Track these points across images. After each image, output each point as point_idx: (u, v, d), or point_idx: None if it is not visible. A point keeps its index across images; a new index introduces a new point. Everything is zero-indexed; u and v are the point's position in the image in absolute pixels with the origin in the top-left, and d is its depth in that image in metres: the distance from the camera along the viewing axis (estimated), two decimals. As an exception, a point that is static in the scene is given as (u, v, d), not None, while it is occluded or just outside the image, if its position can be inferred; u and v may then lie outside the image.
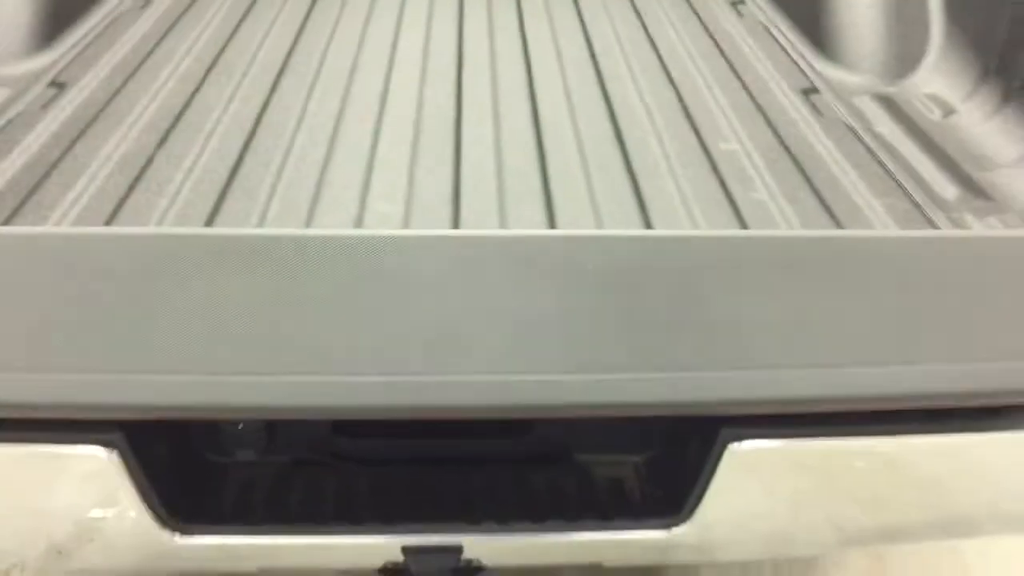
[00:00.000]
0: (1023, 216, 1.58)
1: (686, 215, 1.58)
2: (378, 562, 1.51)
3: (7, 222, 1.52)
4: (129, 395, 1.21)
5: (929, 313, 1.22)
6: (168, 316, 1.18)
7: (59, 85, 2.01)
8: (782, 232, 1.46)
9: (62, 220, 1.54)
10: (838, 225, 1.56)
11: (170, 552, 1.45)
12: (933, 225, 1.56)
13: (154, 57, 2.17)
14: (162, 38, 2.27)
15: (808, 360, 1.22)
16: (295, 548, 1.48)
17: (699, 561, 1.69)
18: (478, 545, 1.49)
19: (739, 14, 2.50)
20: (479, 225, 1.55)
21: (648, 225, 1.55)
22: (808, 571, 2.38)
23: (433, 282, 1.17)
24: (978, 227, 1.56)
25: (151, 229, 1.46)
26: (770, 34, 2.36)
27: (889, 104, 1.99)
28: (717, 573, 2.35)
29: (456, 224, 1.55)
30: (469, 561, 1.50)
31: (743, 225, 1.55)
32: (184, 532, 1.44)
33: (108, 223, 1.53)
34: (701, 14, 2.50)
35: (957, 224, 1.57)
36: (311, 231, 1.32)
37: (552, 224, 1.55)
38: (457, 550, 1.48)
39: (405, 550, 1.47)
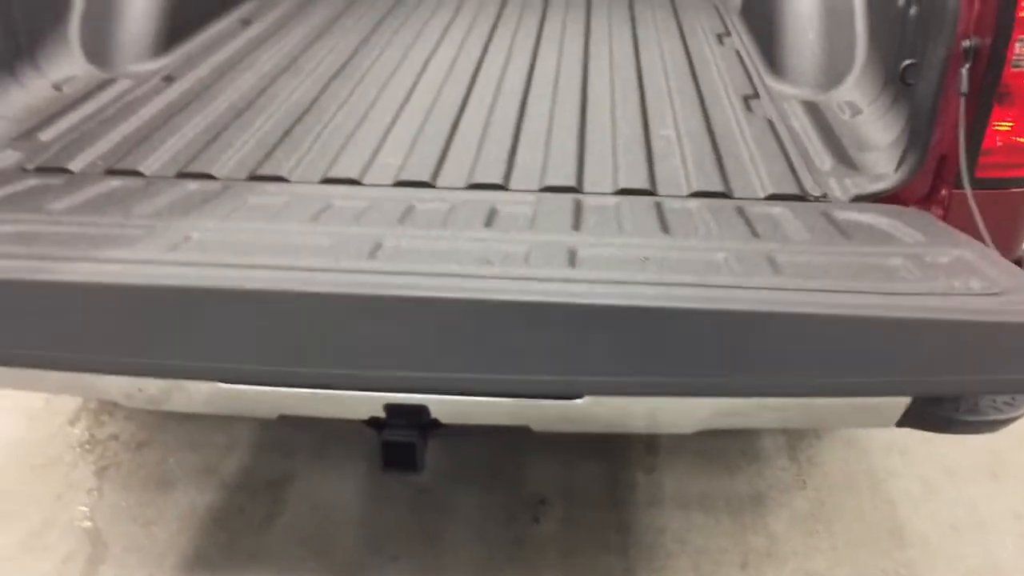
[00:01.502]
0: (871, 179, 2.03)
1: (613, 168, 2.10)
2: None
3: (119, 162, 2.14)
4: None
5: None
6: None
7: (168, 79, 2.67)
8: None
9: (154, 164, 2.14)
10: (725, 180, 2.05)
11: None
12: (800, 184, 2.03)
13: (243, 62, 2.82)
14: (252, 49, 2.93)
15: None
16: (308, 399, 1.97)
17: (598, 430, 2.06)
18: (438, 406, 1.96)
19: (721, 43, 3.02)
20: (460, 169, 2.09)
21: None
22: (757, 508, 2.77)
23: None
24: (835, 187, 2.02)
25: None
26: (739, 57, 2.87)
27: (811, 107, 2.46)
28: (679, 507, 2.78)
29: (438, 170, 2.10)
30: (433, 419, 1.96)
31: (652, 181, 2.05)
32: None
33: (188, 166, 2.12)
34: (688, 42, 3.03)
35: (820, 185, 2.04)
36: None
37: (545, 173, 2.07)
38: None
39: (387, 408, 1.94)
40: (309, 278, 1.51)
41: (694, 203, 1.94)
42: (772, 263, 1.62)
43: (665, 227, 1.81)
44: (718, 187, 2.03)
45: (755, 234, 1.78)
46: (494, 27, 3.20)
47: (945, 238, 1.75)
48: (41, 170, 2.09)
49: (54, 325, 1.53)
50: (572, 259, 1.62)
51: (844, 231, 1.80)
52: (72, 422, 3.09)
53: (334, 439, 3.01)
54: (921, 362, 1.50)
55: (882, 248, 1.72)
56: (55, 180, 2.00)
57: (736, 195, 2.00)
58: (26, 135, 2.24)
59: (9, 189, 1.93)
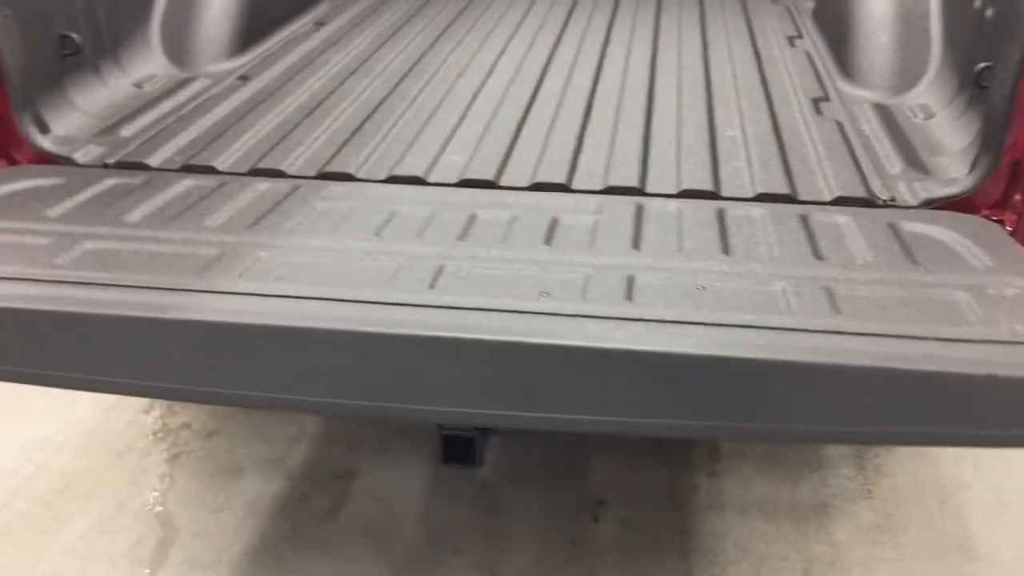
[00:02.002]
0: (942, 183, 1.99)
1: (677, 169, 2.10)
2: None
3: (194, 157, 2.21)
4: None
5: None
6: None
7: (244, 78, 2.74)
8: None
9: (228, 160, 2.20)
10: (790, 182, 2.03)
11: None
12: (867, 187, 2.00)
13: (315, 63, 2.88)
14: (324, 50, 2.99)
15: None
16: None
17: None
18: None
19: (792, 45, 2.98)
20: (523, 168, 2.11)
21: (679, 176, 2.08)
22: (820, 517, 2.74)
23: None
24: (904, 191, 1.99)
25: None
26: (810, 60, 2.83)
27: (882, 110, 2.42)
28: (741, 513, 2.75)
29: (502, 169, 2.12)
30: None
31: (716, 182, 2.04)
32: None
33: (259, 163, 2.18)
34: (759, 43, 3.00)
35: (888, 188, 2.00)
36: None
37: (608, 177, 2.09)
38: None
39: None
40: (369, 316, 1.52)
41: (757, 210, 1.92)
42: (831, 298, 1.58)
43: (726, 244, 1.78)
44: (783, 189, 2.01)
45: (817, 255, 1.74)
46: (563, 29, 3.22)
47: (1013, 261, 1.71)
48: (121, 165, 2.17)
49: (119, 353, 1.56)
50: (630, 289, 1.61)
51: (909, 251, 1.75)
52: (146, 411, 3.19)
53: (397, 434, 3.06)
54: (974, 417, 1.46)
55: (946, 276, 1.67)
56: (133, 179, 2.07)
57: (801, 198, 1.98)
58: (108, 131, 2.33)
59: (91, 191, 2.00)
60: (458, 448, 2.06)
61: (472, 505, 2.79)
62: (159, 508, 2.79)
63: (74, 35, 2.38)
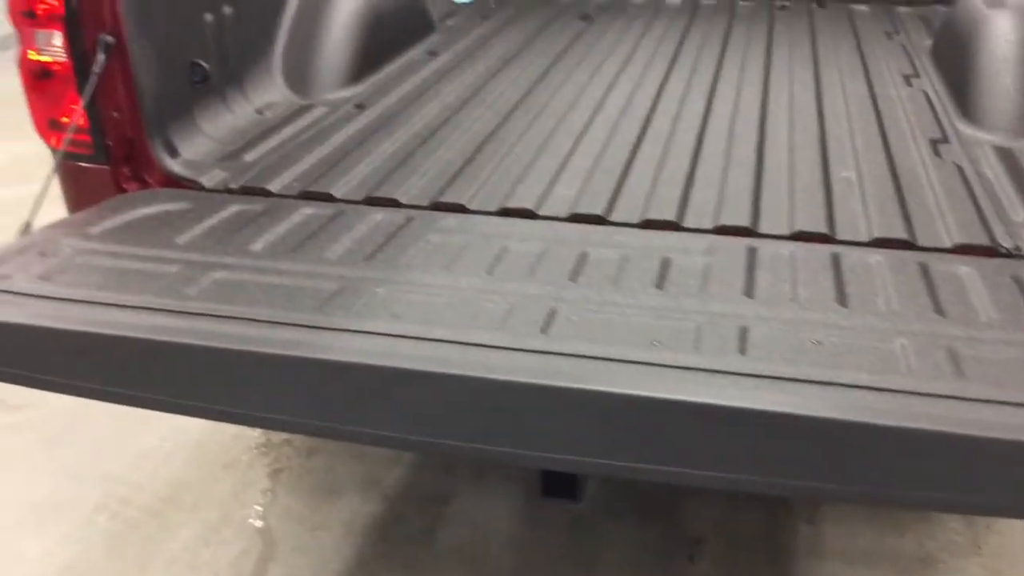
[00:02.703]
0: None
1: (790, 209, 2.08)
2: None
3: (312, 184, 2.27)
4: None
5: None
6: None
7: (360, 106, 2.82)
8: None
9: (344, 187, 2.26)
10: (908, 227, 1.98)
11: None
12: (990, 234, 1.94)
13: (429, 92, 2.94)
14: (438, 80, 3.05)
15: None
16: None
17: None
18: None
19: (908, 85, 2.92)
20: (634, 204, 2.12)
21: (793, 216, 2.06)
22: (926, 571, 2.65)
23: None
24: None
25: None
26: (928, 100, 2.77)
27: (1005, 154, 2.35)
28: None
29: (612, 204, 2.13)
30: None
31: (831, 224, 2.01)
32: None
33: (375, 191, 2.24)
34: (874, 83, 2.95)
35: (1011, 236, 1.94)
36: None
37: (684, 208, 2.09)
38: None
39: None
40: (482, 360, 1.53)
41: (874, 257, 1.88)
42: (954, 359, 1.53)
43: (842, 294, 1.74)
44: (901, 233, 1.97)
45: (938, 310, 1.68)
46: (671, 64, 3.22)
47: None
48: (244, 190, 2.25)
49: (241, 385, 1.61)
50: (743, 341, 1.58)
51: None
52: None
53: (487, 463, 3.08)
54: None
55: None
56: (255, 206, 2.14)
57: (920, 243, 1.93)
58: (232, 156, 2.42)
59: (217, 218, 2.08)
60: (559, 483, 2.05)
61: (566, 536, 2.78)
62: (260, 523, 2.86)
63: (204, 63, 2.48)
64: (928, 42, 3.33)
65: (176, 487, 2.99)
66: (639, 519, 2.84)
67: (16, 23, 2.16)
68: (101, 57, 2.14)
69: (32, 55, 2.17)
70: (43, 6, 2.12)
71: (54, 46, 2.15)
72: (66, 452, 3.16)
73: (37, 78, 2.20)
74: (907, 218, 2.04)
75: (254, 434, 3.23)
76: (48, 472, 3.07)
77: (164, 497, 2.95)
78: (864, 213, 2.07)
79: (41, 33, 2.13)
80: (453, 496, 2.95)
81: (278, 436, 3.23)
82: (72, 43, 2.14)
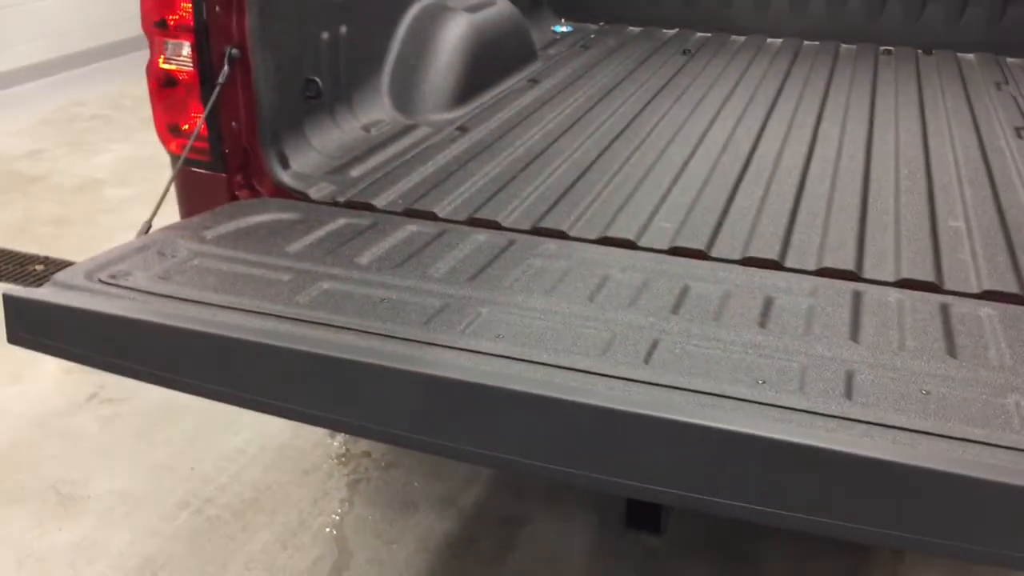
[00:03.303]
0: None
1: (896, 255, 2.06)
2: None
3: (416, 202, 2.32)
4: None
5: None
6: None
7: (463, 129, 2.87)
8: None
9: (447, 207, 2.31)
10: (1020, 281, 1.94)
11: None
12: None
13: (530, 118, 2.98)
14: (539, 107, 3.10)
15: None
16: None
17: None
18: None
19: (1020, 137, 2.87)
20: (734, 241, 2.12)
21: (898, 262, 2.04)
22: None
23: None
24: None
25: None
26: None
27: (1123, 214, 2.29)
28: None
29: (713, 240, 2.13)
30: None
31: (939, 273, 1.98)
32: None
33: (477, 212, 2.27)
34: (982, 132, 2.90)
35: None
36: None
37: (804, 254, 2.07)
38: None
39: None
40: (586, 387, 1.54)
41: (984, 309, 1.84)
42: None
43: (951, 345, 1.71)
44: (1012, 288, 1.93)
45: None
46: (774, 102, 3.21)
47: None
48: (350, 204, 2.31)
49: (348, 394, 1.63)
50: (849, 386, 1.57)
51: None
52: (332, 434, 3.33)
53: (568, 488, 3.08)
54: None
55: None
56: (362, 220, 2.20)
57: None
58: (339, 170, 2.48)
59: (325, 229, 2.14)
60: (644, 514, 2.06)
61: (638, 570, 2.76)
62: (336, 532, 2.90)
63: (318, 79, 2.56)
64: None
65: (258, 489, 3.05)
66: (714, 558, 2.81)
67: (148, 32, 2.26)
68: (226, 68, 2.22)
69: (161, 63, 2.26)
70: (174, 17, 2.21)
71: (182, 56, 2.24)
72: (156, 447, 3.26)
73: (163, 85, 2.29)
74: (1018, 271, 2.00)
75: (334, 443, 3.29)
76: (137, 465, 3.17)
77: (246, 499, 3.01)
78: (974, 264, 2.03)
79: (171, 43, 2.23)
80: (527, 520, 2.95)
81: (357, 447, 3.27)
82: (199, 54, 2.23)
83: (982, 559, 1.46)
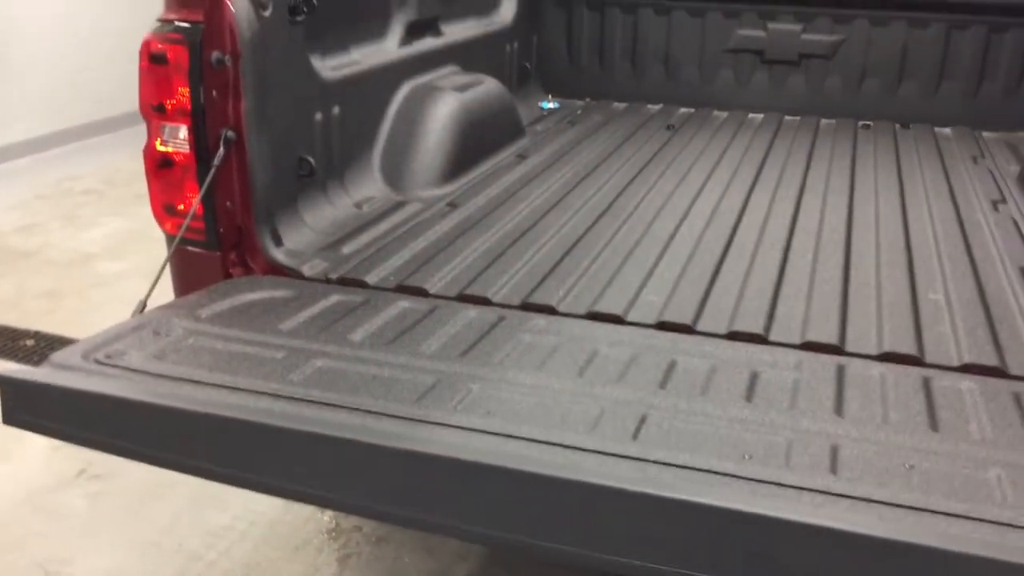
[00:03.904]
0: None
1: (878, 329, 2.09)
2: None
3: (408, 278, 2.36)
4: None
5: None
6: None
7: (453, 205, 2.93)
8: None
9: (438, 284, 2.35)
10: (1000, 354, 1.98)
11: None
12: None
13: (518, 194, 3.04)
14: (527, 183, 3.16)
15: None
16: None
17: None
18: None
19: (996, 210, 2.94)
20: (720, 315, 2.16)
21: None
22: None
23: None
24: None
25: None
26: (1016, 226, 2.78)
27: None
28: None
29: (699, 314, 2.17)
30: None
31: (920, 347, 2.02)
32: None
33: (467, 288, 2.31)
34: (960, 206, 2.97)
35: None
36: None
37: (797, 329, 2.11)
38: None
39: None
40: (575, 463, 1.57)
41: (965, 383, 1.88)
42: None
43: (933, 419, 1.74)
44: (992, 361, 1.97)
45: None
46: (757, 176, 3.29)
47: None
48: (343, 281, 2.35)
49: (339, 471, 1.63)
50: (834, 460, 1.60)
51: None
52: (322, 509, 3.32)
53: (558, 566, 3.06)
54: None
55: None
56: (354, 297, 2.23)
57: (1012, 372, 1.93)
58: (331, 247, 2.53)
59: (318, 307, 2.18)
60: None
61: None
62: (327, 608, 2.88)
63: (310, 159, 2.62)
64: (1015, 168, 3.36)
65: (248, 566, 3.03)
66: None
67: (146, 115, 2.32)
68: (222, 150, 2.28)
69: (158, 145, 2.32)
70: (172, 102, 2.28)
71: (179, 138, 2.30)
72: (144, 524, 3.24)
73: (159, 167, 2.34)
74: (998, 345, 2.04)
75: (325, 518, 3.27)
76: (125, 542, 3.14)
77: (235, 576, 2.99)
78: (954, 337, 2.07)
79: (168, 126, 2.29)
80: (519, 595, 2.93)
81: (348, 522, 3.26)
82: (196, 136, 2.29)
83: None
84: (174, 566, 3.03)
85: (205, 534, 3.18)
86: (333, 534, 3.20)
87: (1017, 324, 2.14)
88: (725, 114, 4.25)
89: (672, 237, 2.69)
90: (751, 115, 4.24)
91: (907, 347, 2.02)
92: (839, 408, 1.77)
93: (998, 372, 1.93)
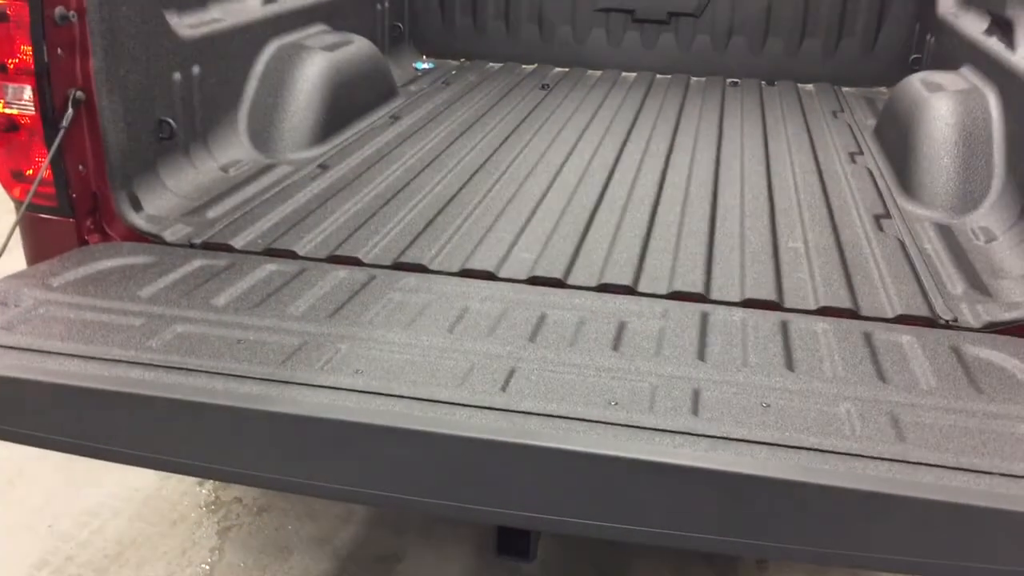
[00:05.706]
0: (1005, 307, 2.02)
1: (741, 278, 2.16)
2: None
3: (276, 242, 2.31)
4: None
5: None
6: None
7: (323, 167, 2.87)
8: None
9: (308, 246, 2.30)
10: (853, 297, 2.07)
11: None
12: (930, 307, 2.04)
13: (391, 155, 3.01)
14: (399, 143, 3.12)
15: None
16: None
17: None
18: None
19: (853, 161, 3.06)
20: (591, 268, 2.18)
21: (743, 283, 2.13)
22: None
23: None
24: (966, 312, 2.02)
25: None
26: (871, 176, 2.90)
27: (944, 230, 2.47)
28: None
29: (570, 268, 2.19)
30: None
31: (780, 293, 2.09)
32: None
33: (337, 250, 2.28)
34: (820, 158, 3.08)
35: (950, 309, 2.04)
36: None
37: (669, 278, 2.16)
38: None
39: None
40: (444, 418, 1.57)
41: (820, 324, 1.96)
42: (896, 424, 1.60)
43: (790, 359, 1.82)
44: (846, 303, 2.05)
45: (881, 377, 1.76)
46: (628, 133, 3.33)
47: None
48: (207, 246, 2.28)
49: (203, 437, 1.62)
50: (695, 403, 1.65)
51: (973, 378, 1.78)
52: (200, 482, 3.24)
53: (442, 521, 3.08)
54: None
55: (1010, 408, 1.68)
56: (219, 261, 2.17)
57: (863, 314, 2.02)
58: (195, 212, 2.45)
59: (179, 272, 2.11)
60: (513, 541, 2.07)
61: (516, 598, 2.79)
62: (207, 581, 2.82)
63: (171, 120, 2.52)
64: (872, 121, 3.49)
65: (122, 544, 2.94)
66: (590, 581, 2.86)
67: (-14, 76, 2.18)
68: (70, 112, 2.17)
69: (1, 107, 2.19)
70: (14, 61, 2.15)
71: (23, 100, 2.17)
72: (12, 505, 3.10)
73: (4, 130, 2.21)
74: (852, 289, 2.13)
75: (203, 491, 3.20)
76: (-10, 527, 3.01)
77: (110, 554, 2.90)
78: (811, 283, 2.16)
79: (12, 87, 2.16)
80: (403, 555, 2.94)
81: (228, 493, 3.20)
82: (41, 97, 2.17)
83: (820, 559, 1.55)
84: (44, 547, 2.92)
85: (78, 513, 3.07)
86: (212, 507, 3.14)
87: (870, 268, 2.24)
88: (599, 73, 4.29)
89: (545, 194, 2.70)
90: (624, 74, 4.28)
91: (767, 293, 2.09)
92: (702, 353, 1.82)
93: (851, 313, 2.02)
